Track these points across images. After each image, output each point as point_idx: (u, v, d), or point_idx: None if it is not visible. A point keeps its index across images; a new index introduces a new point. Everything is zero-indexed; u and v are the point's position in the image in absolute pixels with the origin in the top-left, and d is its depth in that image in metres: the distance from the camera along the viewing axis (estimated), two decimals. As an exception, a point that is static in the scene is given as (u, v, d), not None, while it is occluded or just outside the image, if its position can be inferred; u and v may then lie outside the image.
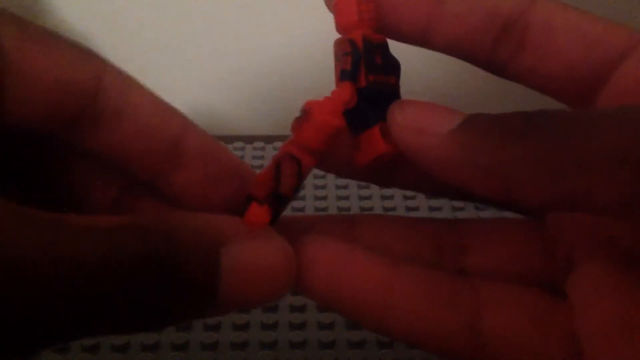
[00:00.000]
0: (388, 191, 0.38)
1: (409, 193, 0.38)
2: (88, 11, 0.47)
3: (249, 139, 0.43)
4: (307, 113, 0.18)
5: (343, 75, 0.18)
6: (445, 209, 0.37)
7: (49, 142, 0.19)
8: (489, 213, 0.19)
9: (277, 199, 0.18)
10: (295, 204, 0.38)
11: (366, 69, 0.18)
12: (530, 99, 0.23)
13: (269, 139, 0.43)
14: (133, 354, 0.28)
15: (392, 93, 0.19)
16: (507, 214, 0.22)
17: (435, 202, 0.38)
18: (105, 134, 0.18)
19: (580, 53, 0.18)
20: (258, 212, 0.18)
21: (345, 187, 0.39)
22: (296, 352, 0.28)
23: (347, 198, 0.38)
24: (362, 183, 0.38)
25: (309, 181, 0.40)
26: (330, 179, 0.39)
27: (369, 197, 0.38)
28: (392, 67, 0.19)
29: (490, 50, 0.19)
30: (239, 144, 0.43)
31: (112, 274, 0.14)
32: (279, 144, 0.42)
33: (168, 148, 0.19)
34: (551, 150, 0.15)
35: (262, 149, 0.42)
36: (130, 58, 0.49)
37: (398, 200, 0.38)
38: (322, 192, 0.39)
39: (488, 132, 0.16)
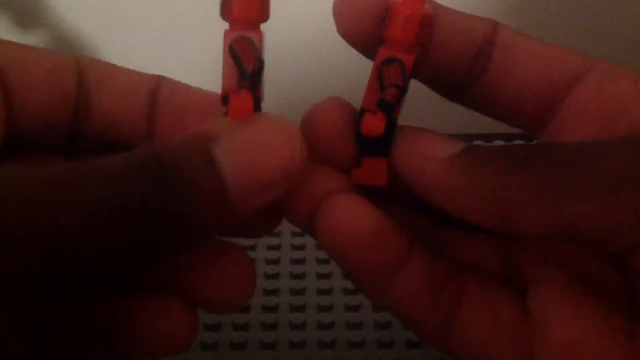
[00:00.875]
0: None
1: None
2: (88, 11, 0.47)
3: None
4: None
5: (382, 105, 0.18)
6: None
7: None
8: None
9: (249, 77, 0.17)
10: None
11: (401, 102, 0.18)
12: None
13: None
14: (133, 354, 0.28)
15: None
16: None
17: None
18: (97, 107, 0.19)
19: (537, 72, 0.19)
20: (238, 100, 0.17)
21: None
22: (296, 352, 0.28)
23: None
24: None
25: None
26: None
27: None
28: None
29: (463, 74, 0.19)
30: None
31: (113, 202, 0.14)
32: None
33: (147, 100, 0.19)
34: (554, 177, 0.15)
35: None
36: (130, 57, 0.49)
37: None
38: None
39: (490, 159, 0.16)
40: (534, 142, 0.20)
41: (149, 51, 0.48)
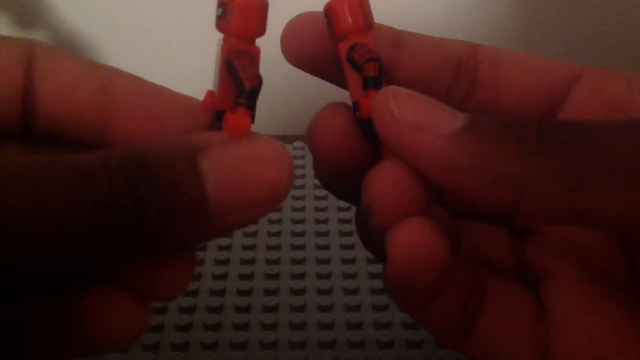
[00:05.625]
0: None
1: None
2: (88, 11, 0.47)
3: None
4: (228, 6, 0.17)
5: (369, 83, 0.18)
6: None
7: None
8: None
9: (248, 95, 0.16)
10: (295, 203, 0.38)
11: (385, 76, 0.18)
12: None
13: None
14: (133, 354, 0.28)
15: None
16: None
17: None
18: (38, 102, 0.18)
19: (529, 82, 0.19)
20: (236, 119, 0.16)
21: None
22: (296, 352, 0.28)
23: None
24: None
25: (309, 181, 0.40)
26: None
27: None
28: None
29: (447, 91, 0.19)
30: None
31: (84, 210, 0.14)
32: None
33: (95, 96, 0.18)
34: (572, 162, 0.15)
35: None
36: (130, 58, 0.49)
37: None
38: (323, 192, 0.39)
39: (501, 139, 0.15)
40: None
41: (149, 51, 0.48)
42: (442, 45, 0.19)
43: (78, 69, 0.19)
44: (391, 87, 0.17)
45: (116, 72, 0.19)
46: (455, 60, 0.19)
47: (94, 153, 0.15)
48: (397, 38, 0.19)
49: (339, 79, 0.19)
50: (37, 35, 0.47)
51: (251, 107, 0.16)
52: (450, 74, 0.19)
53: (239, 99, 0.16)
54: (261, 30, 0.17)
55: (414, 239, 0.16)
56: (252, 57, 0.17)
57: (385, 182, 0.17)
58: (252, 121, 0.17)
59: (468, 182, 0.16)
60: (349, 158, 0.18)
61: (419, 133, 0.16)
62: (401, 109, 0.16)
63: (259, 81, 0.16)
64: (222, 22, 0.17)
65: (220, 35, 0.17)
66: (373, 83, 0.17)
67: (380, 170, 0.17)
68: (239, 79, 0.16)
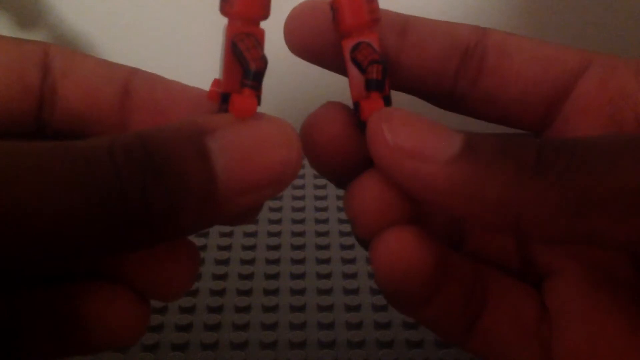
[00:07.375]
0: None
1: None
2: (88, 11, 0.47)
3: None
4: None
5: (371, 85, 0.17)
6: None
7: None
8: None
9: (254, 76, 0.16)
10: (295, 203, 0.38)
11: (389, 76, 0.18)
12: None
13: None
14: (133, 354, 0.28)
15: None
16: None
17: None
18: (59, 100, 0.18)
19: (536, 71, 0.19)
20: (242, 100, 0.16)
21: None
22: (296, 352, 0.28)
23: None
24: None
25: (309, 180, 0.40)
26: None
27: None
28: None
29: (453, 79, 0.19)
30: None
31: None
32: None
33: (118, 94, 0.19)
34: (572, 188, 0.14)
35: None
36: (130, 58, 0.49)
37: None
38: (323, 192, 0.39)
39: (498, 164, 0.15)
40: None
41: (149, 51, 0.48)
42: (450, 32, 0.19)
43: (99, 67, 0.19)
44: (384, 110, 0.17)
45: (134, 71, 0.19)
46: (463, 47, 0.19)
47: (99, 139, 0.14)
48: (404, 25, 0.19)
49: (343, 70, 0.19)
50: (37, 35, 0.47)
51: (257, 88, 0.16)
52: (457, 61, 0.19)
53: (245, 80, 0.16)
54: (265, 13, 0.17)
55: (394, 249, 0.16)
56: (257, 39, 0.17)
57: (365, 195, 0.17)
58: (259, 103, 0.17)
59: (465, 209, 0.16)
60: (343, 160, 0.18)
61: (413, 160, 0.15)
62: (395, 135, 0.16)
63: (264, 62, 0.16)
64: (226, 5, 0.17)
65: (224, 22, 0.17)
66: (376, 86, 0.17)
67: (360, 183, 0.17)
68: (244, 60, 0.16)
